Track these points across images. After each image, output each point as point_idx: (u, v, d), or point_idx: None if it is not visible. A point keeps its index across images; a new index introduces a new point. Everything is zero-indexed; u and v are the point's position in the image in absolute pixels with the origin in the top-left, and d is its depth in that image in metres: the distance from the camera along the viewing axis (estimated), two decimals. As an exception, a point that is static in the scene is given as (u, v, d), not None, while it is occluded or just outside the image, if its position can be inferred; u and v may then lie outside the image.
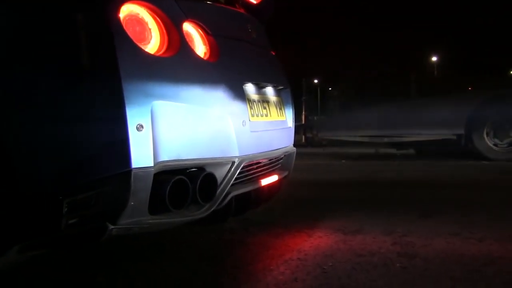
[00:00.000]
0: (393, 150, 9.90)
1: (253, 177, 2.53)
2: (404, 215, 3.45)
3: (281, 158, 2.89)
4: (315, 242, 2.79)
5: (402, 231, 2.99)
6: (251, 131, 2.37)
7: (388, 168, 6.79)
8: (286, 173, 2.95)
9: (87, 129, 1.73)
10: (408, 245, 2.70)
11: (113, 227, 1.76)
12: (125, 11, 1.88)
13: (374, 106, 10.33)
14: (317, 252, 2.60)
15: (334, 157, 9.04)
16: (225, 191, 2.20)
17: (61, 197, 1.70)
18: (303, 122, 14.01)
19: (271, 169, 2.75)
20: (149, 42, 1.96)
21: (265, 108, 2.61)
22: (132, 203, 1.75)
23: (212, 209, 2.14)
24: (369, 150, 10.18)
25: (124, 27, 1.83)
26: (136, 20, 1.93)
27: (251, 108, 2.42)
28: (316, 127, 14.74)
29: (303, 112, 13.94)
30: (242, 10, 2.83)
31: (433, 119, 8.79)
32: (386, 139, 11.54)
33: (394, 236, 2.88)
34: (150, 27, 1.98)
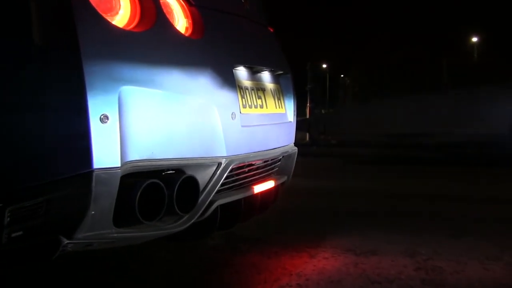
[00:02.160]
0: (417, 153, 9.92)
1: (243, 183, 2.53)
2: (430, 233, 3.47)
3: (279, 160, 2.89)
4: (319, 265, 2.80)
5: (428, 253, 3.01)
6: (242, 126, 2.37)
7: (411, 175, 6.82)
8: (284, 178, 2.96)
9: (38, 120, 1.72)
10: (435, 270, 2.72)
11: (68, 241, 1.75)
12: (87, -27, 1.88)
13: (395, 98, 10.36)
14: (321, 277, 2.61)
15: (345, 159, 9.06)
16: (209, 199, 2.20)
17: (1, 205, 1.70)
18: (308, 116, 14.06)
19: (266, 173, 2.76)
20: (117, 13, 1.95)
21: (260, 97, 2.62)
22: (93, 212, 1.74)
23: (193, 221, 2.14)
24: (388, 152, 10.21)
25: (87, -7, 1.82)
26: (102, -15, 1.93)
27: (242, 97, 2.43)
28: (323, 122, 14.81)
29: (308, 104, 13.98)
30: (233, -24, 2.84)
31: (470, 114, 8.80)
32: (409, 139, 11.56)
33: (418, 259, 2.90)
34: (118, -6, 1.97)
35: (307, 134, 13.78)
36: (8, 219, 1.70)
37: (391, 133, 15.00)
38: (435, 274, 2.66)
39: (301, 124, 13.57)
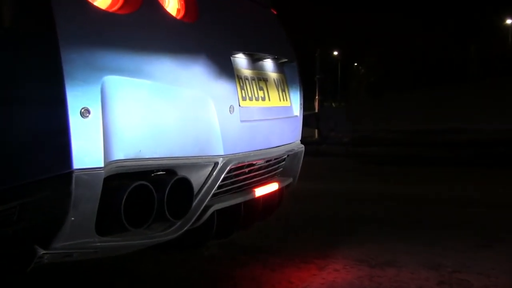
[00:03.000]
0: (440, 152, 9.91)
1: (243, 185, 2.53)
2: (456, 242, 3.47)
3: (283, 159, 2.90)
4: (328, 278, 2.80)
5: (453, 265, 3.01)
6: (242, 121, 2.37)
7: (434, 177, 6.82)
8: (290, 180, 2.96)
9: (9, 114, 1.72)
10: (461, 285, 2.72)
11: (44, 252, 1.75)
12: None
13: (415, 89, 10.39)
14: (331, 291, 2.63)
15: (358, 159, 9.06)
16: (204, 204, 2.21)
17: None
18: (317, 110, 14.07)
19: (269, 174, 2.76)
20: (99, -7, 1.96)
21: (261, 89, 2.62)
22: (73, 218, 1.74)
23: (186, 228, 2.15)
24: (407, 151, 10.20)
25: (65, -30, 1.83)
26: (82, -39, 1.93)
27: (241, 88, 2.43)
28: (334, 117, 14.81)
29: (317, 97, 13.98)
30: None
31: (501, 108, 8.78)
32: (431, 137, 11.55)
33: (441, 272, 2.90)
34: (101, -29, 1.98)
35: (316, 131, 13.79)
36: (-24, 227, 1.70)
37: (410, 130, 15.01)
38: (461, 288, 2.67)
39: (309, 119, 13.57)
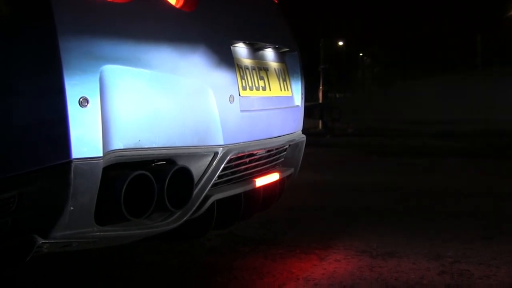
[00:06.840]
0: (446, 143, 9.91)
1: (243, 175, 2.54)
2: (459, 233, 3.48)
3: (285, 150, 2.90)
4: (329, 268, 2.81)
5: (454, 256, 3.02)
6: (242, 111, 2.38)
7: (438, 169, 6.81)
8: (291, 171, 2.97)
9: (7, 103, 1.73)
10: (462, 275, 2.73)
11: (43, 241, 1.76)
12: None
13: (421, 79, 10.38)
14: (332, 281, 2.63)
15: (363, 150, 9.06)
16: (204, 194, 2.22)
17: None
18: (320, 100, 14.05)
19: (270, 165, 2.77)
20: (98, -19, 1.96)
21: (262, 78, 2.63)
22: (72, 208, 1.76)
23: (186, 218, 2.16)
24: (412, 142, 10.19)
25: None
26: None
27: (242, 78, 2.44)
28: (338, 108, 14.80)
29: (320, 87, 13.95)
30: None
31: (508, 98, 8.78)
32: (437, 127, 11.54)
33: (443, 262, 2.91)
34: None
35: (320, 122, 13.78)
36: (-26, 217, 1.71)
37: (416, 120, 14.99)
38: (462, 279, 2.68)
39: (314, 110, 13.57)
